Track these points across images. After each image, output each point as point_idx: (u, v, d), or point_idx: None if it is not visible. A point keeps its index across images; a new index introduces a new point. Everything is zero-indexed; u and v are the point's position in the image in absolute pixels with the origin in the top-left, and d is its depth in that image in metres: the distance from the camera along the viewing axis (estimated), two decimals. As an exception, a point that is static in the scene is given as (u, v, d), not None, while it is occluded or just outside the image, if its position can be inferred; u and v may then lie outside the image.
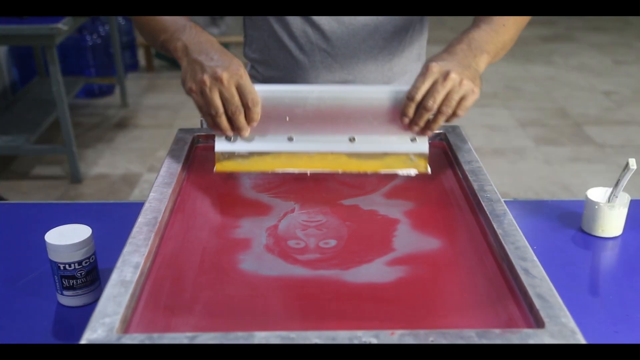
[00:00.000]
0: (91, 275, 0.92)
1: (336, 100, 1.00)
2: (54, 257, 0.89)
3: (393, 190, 1.01)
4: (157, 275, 0.79)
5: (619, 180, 1.06)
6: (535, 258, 0.78)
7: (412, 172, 1.00)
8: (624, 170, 1.05)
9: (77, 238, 0.89)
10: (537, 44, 5.07)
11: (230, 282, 0.79)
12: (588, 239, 1.09)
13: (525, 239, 0.82)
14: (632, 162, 1.04)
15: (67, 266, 0.89)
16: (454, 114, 0.94)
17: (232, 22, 4.40)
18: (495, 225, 0.85)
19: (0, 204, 1.34)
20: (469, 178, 0.98)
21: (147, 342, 0.64)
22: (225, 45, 4.43)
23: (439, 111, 0.93)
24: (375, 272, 0.81)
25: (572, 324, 0.67)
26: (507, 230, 0.84)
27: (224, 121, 0.95)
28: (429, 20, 1.26)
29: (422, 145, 1.00)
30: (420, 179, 1.01)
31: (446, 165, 1.08)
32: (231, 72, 0.93)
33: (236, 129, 0.97)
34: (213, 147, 1.00)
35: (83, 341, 0.64)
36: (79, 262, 0.90)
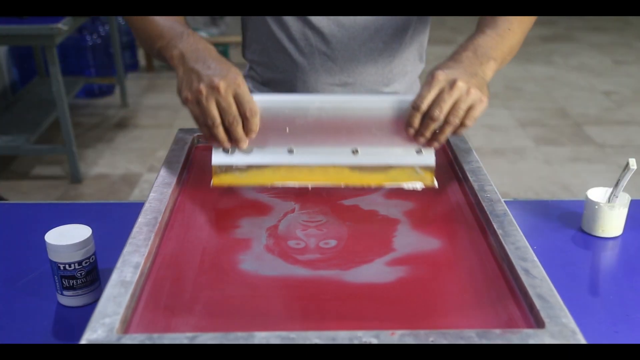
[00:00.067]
0: (91, 275, 0.92)
1: (338, 110, 0.95)
2: (54, 257, 0.89)
3: (393, 190, 1.01)
4: (157, 275, 0.79)
5: (619, 180, 1.06)
6: (535, 258, 0.78)
7: (418, 185, 0.96)
8: (624, 170, 1.05)
9: (77, 238, 0.89)
10: (537, 44, 5.07)
11: (230, 282, 0.79)
12: (588, 239, 1.09)
13: (525, 239, 0.82)
14: (632, 162, 1.04)
15: (67, 266, 0.89)
16: (461, 125, 0.90)
17: (232, 22, 4.40)
18: (495, 226, 0.85)
19: (0, 204, 1.34)
20: (469, 178, 0.98)
21: (147, 342, 0.64)
22: (225, 45, 4.44)
23: (446, 121, 0.90)
24: (375, 272, 0.81)
25: (572, 324, 0.67)
26: (507, 231, 0.84)
27: (221, 132, 0.91)
28: (430, 19, 1.25)
29: (429, 157, 0.95)
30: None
31: (446, 166, 1.08)
32: (229, 81, 0.89)
33: (234, 141, 0.92)
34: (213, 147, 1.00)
35: (83, 341, 0.64)
36: (79, 262, 0.90)
